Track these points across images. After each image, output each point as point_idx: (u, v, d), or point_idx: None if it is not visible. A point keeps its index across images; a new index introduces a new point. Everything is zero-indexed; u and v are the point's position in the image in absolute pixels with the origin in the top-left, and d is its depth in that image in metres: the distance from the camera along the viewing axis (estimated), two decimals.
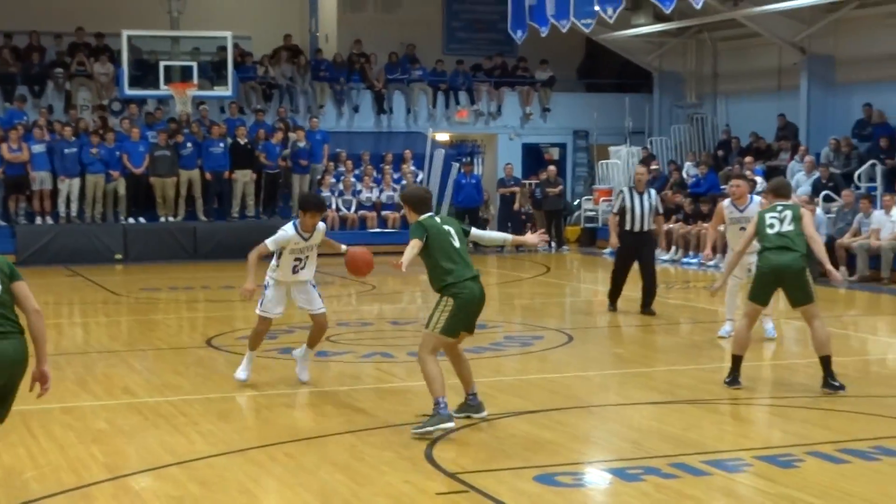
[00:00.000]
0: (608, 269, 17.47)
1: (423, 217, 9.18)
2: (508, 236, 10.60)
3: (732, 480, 7.78)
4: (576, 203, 30.06)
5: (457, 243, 9.12)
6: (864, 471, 7.94)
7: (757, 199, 13.71)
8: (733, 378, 10.84)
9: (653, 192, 16.43)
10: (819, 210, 21.52)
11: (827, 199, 22.78)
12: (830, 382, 10.54)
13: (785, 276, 10.53)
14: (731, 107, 30.63)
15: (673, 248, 24.81)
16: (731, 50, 30.41)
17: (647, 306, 16.15)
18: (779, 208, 10.84)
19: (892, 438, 8.76)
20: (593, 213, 28.83)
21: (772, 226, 10.73)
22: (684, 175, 27.44)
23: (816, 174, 23.83)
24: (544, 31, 27.03)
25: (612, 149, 30.30)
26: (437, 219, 9.23)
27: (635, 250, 16.10)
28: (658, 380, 11.70)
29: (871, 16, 25.68)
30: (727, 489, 7.64)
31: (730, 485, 7.71)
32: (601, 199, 28.58)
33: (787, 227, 10.64)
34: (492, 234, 10.91)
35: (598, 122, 31.70)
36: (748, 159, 25.73)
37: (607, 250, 22.72)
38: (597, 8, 25.33)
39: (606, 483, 7.93)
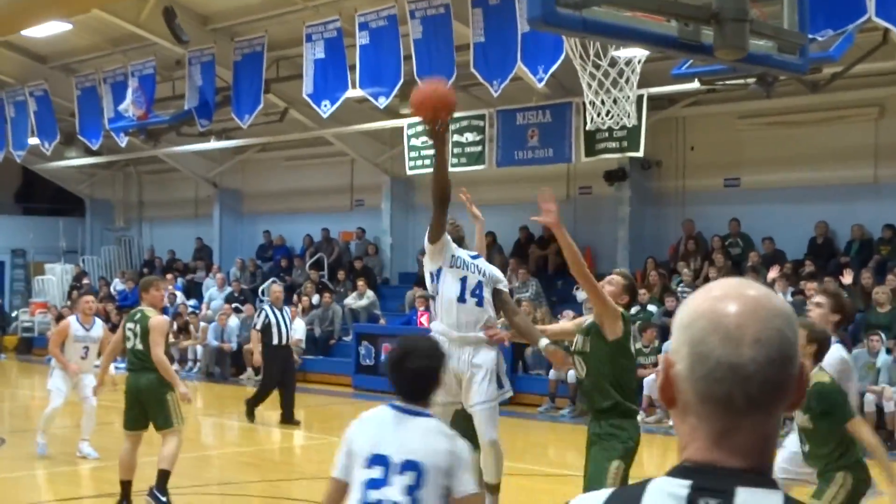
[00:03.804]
0: (44, 374, 14.06)
1: None
2: None
3: None
4: (14, 315, 28.08)
5: None
6: None
7: None
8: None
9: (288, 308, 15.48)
10: (234, 318, 21.67)
11: (237, 310, 22.77)
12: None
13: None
14: (155, 230, 30.12)
15: None
16: (154, 182, 29.99)
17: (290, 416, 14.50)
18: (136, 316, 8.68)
19: None
20: (30, 323, 27.02)
21: (128, 339, 8.68)
22: (112, 290, 26.52)
23: (229, 289, 23.95)
24: None
25: (47, 266, 28.77)
26: None
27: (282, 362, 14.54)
28: None
29: (271, 158, 26.36)
30: None
31: None
32: (37, 311, 26.89)
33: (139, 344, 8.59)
34: None
35: (35, 241, 29.97)
36: (169, 276, 25.31)
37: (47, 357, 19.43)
38: (34, 140, 23.92)
39: None
